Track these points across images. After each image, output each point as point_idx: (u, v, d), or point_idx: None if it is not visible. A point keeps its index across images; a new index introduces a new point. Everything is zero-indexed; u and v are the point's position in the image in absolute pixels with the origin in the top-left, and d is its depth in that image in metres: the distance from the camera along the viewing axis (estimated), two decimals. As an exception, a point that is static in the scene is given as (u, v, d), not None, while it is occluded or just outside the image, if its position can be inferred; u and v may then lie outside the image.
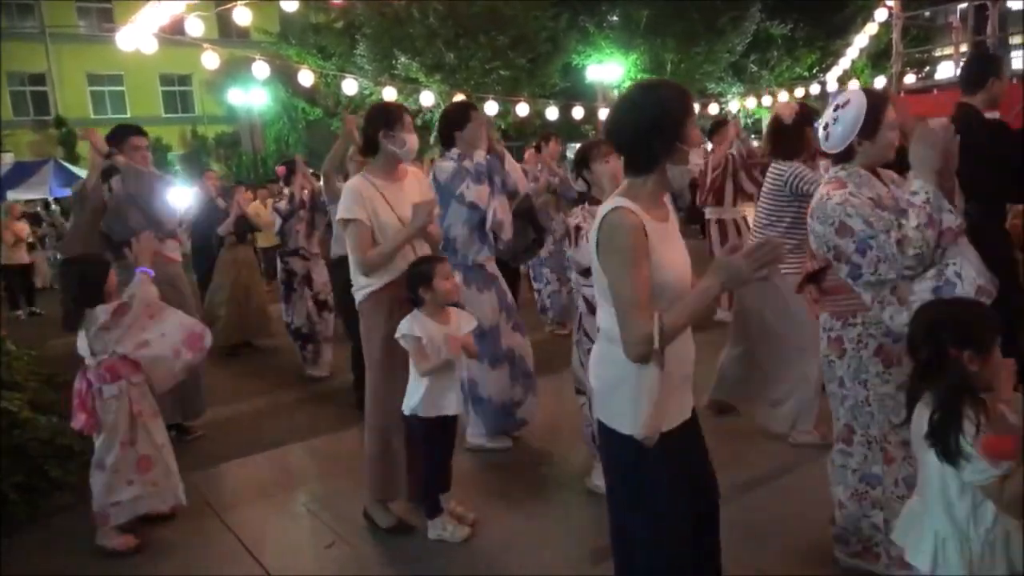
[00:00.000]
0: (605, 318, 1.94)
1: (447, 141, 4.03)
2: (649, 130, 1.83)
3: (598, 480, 3.34)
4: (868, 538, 2.59)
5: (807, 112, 3.81)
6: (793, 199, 3.65)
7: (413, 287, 3.01)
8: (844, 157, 2.47)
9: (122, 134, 4.31)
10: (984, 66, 3.57)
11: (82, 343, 3.27)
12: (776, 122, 3.78)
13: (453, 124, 3.99)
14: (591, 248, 1.91)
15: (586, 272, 3.21)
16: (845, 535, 2.65)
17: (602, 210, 1.87)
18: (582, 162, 3.35)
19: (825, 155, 2.74)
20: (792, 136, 3.71)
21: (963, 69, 3.69)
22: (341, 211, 3.10)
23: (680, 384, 1.94)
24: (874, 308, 2.38)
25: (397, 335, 2.97)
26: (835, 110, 2.45)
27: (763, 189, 3.84)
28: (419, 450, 3.13)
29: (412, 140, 3.17)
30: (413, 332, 2.95)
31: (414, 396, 3.01)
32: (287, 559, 3.14)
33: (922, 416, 1.83)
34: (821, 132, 2.52)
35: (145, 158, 4.33)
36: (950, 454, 1.73)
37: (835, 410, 2.60)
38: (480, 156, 3.95)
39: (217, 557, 3.20)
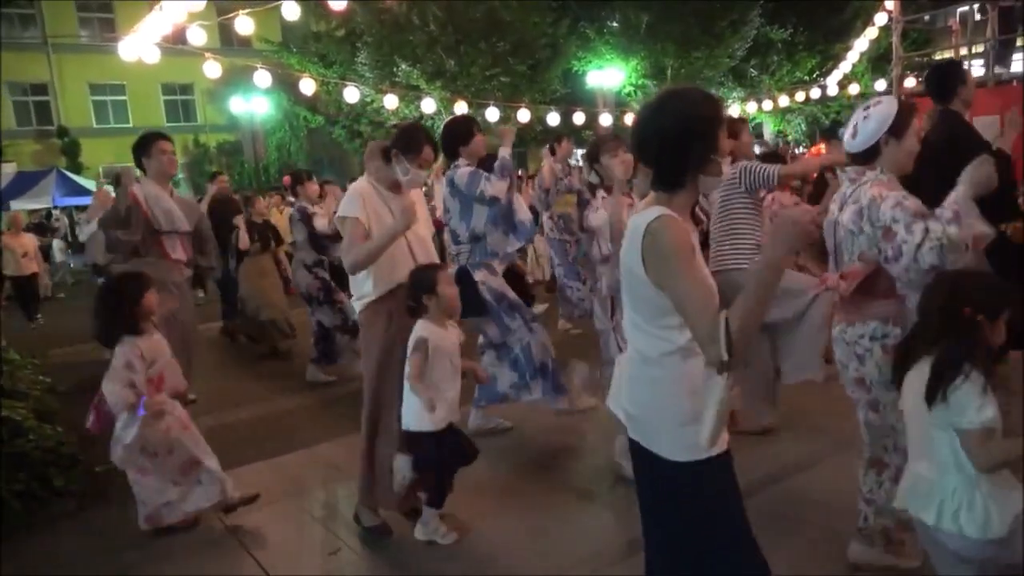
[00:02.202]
0: (639, 337, 1.82)
1: (452, 155, 4.12)
2: (680, 141, 1.70)
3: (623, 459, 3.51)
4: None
5: (730, 125, 4.00)
6: (744, 196, 3.80)
7: (416, 294, 3.00)
8: (869, 157, 2.48)
9: (149, 139, 4.34)
10: (950, 75, 3.65)
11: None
12: None
13: (458, 139, 4.11)
14: (634, 262, 1.74)
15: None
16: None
17: (641, 221, 1.72)
18: (593, 156, 3.57)
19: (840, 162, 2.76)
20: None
21: (929, 81, 3.77)
22: (340, 209, 3.11)
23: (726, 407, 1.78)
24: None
25: (412, 339, 2.95)
26: (866, 109, 2.50)
27: (715, 200, 3.95)
28: (432, 460, 3.09)
29: (416, 174, 3.16)
30: (424, 335, 2.95)
31: (412, 411, 3.00)
32: (292, 566, 3.13)
33: (920, 378, 1.93)
34: (848, 131, 2.53)
35: (172, 162, 4.39)
36: (933, 396, 1.85)
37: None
38: (504, 152, 4.16)
39: (222, 563, 3.19)
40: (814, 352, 3.78)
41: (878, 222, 2.38)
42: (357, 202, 3.09)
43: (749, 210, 3.83)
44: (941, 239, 2.23)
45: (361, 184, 3.19)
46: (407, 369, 2.97)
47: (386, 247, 3.04)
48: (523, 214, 4.37)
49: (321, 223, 5.87)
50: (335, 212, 3.55)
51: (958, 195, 2.33)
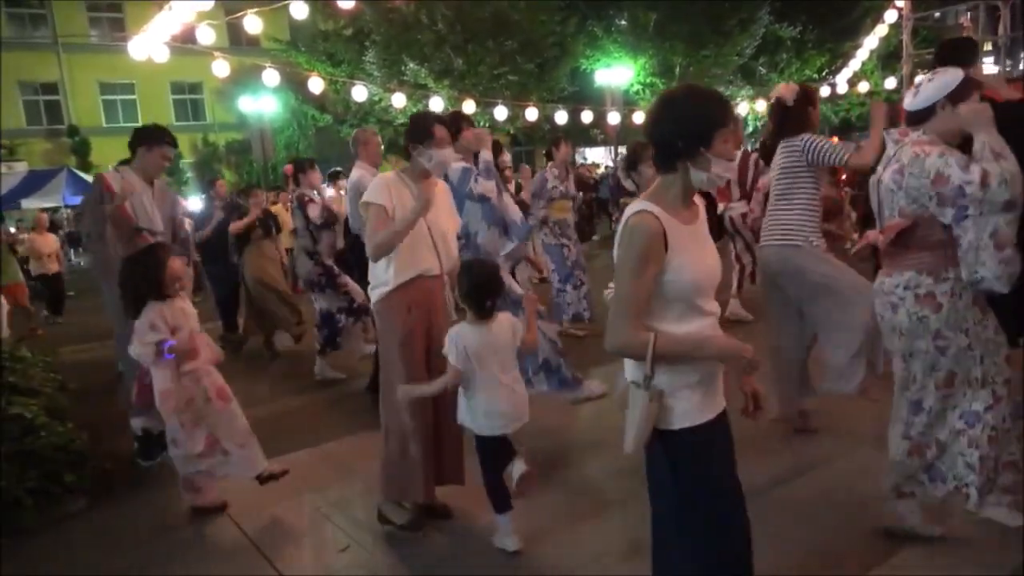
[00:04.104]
0: None
1: None
2: (677, 129, 1.86)
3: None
4: (960, 478, 2.66)
5: (809, 92, 3.81)
6: (807, 170, 3.66)
7: (492, 293, 2.87)
8: (922, 118, 2.57)
9: (159, 137, 4.23)
10: (963, 50, 3.56)
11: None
12: (779, 104, 3.78)
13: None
14: (616, 244, 1.93)
15: None
16: (940, 474, 2.72)
17: (628, 211, 1.91)
18: (631, 163, 3.52)
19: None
20: (796, 116, 3.72)
21: (940, 55, 3.63)
22: (366, 196, 3.15)
23: (705, 380, 1.93)
24: (969, 256, 2.48)
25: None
26: (933, 73, 2.60)
27: (776, 168, 3.82)
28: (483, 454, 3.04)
29: (441, 154, 3.20)
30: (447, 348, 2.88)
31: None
32: (301, 563, 3.14)
33: None
34: (911, 90, 2.62)
35: (161, 168, 4.30)
36: None
37: (932, 362, 2.63)
38: (486, 156, 4.18)
39: (231, 560, 3.20)
40: (852, 364, 3.67)
41: (923, 173, 2.47)
42: (383, 190, 3.14)
43: (809, 185, 3.69)
44: (1003, 174, 2.35)
45: (390, 176, 3.23)
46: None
47: (406, 231, 3.06)
48: (513, 213, 4.37)
49: (315, 211, 5.80)
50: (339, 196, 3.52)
51: (986, 138, 2.44)
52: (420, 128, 3.21)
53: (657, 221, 1.84)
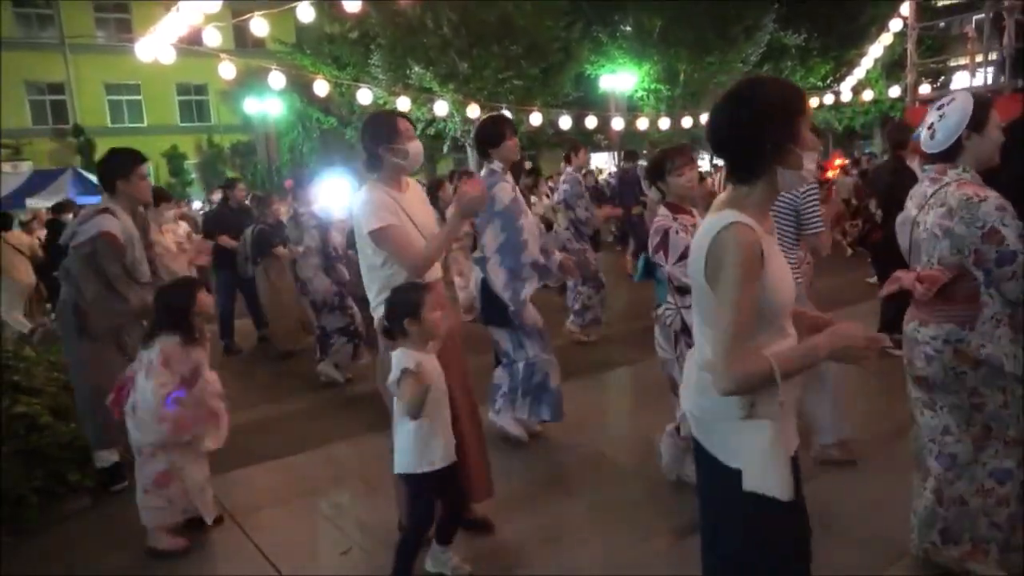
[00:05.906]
0: (704, 343, 1.77)
1: (482, 154, 4.05)
2: (758, 129, 1.63)
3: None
4: (983, 537, 2.56)
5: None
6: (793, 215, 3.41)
7: (397, 318, 2.65)
8: (950, 156, 2.42)
9: (132, 162, 3.80)
10: None
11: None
12: None
13: (487, 141, 3.98)
14: (698, 267, 1.69)
15: (681, 290, 3.20)
16: (956, 534, 2.60)
17: (713, 225, 1.66)
18: (657, 173, 3.36)
19: (926, 158, 2.62)
20: None
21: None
22: (371, 222, 2.90)
23: (791, 410, 1.78)
24: (985, 327, 2.39)
25: (393, 373, 2.61)
26: (939, 108, 2.44)
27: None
28: (426, 503, 2.81)
29: (414, 147, 3.03)
30: (410, 365, 2.57)
31: (408, 452, 2.69)
32: (304, 565, 3.15)
33: None
34: (924, 132, 2.47)
35: (147, 188, 3.95)
36: None
37: (967, 417, 2.51)
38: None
39: (235, 562, 3.21)
40: (839, 416, 3.61)
41: (977, 222, 2.30)
42: (386, 209, 2.93)
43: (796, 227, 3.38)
44: None
45: (375, 192, 3.00)
46: (398, 406, 2.68)
47: (449, 243, 3.12)
48: (529, 253, 3.93)
49: (338, 238, 5.82)
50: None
51: None
52: (386, 127, 3.01)
53: (755, 233, 1.62)
